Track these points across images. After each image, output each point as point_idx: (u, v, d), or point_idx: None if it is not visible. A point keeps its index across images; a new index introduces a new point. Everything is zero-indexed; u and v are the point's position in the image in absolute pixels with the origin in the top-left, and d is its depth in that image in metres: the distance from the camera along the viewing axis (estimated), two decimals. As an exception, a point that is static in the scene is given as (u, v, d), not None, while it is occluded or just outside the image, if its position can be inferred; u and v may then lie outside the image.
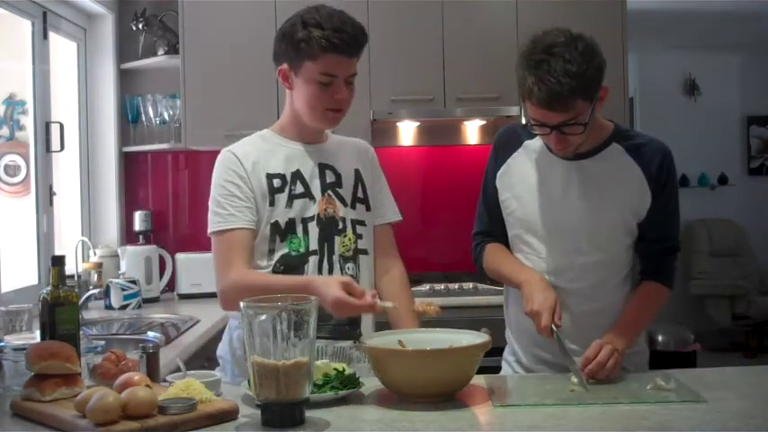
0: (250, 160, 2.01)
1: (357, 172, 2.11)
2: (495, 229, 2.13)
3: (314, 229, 2.00)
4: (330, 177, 2.06)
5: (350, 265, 2.03)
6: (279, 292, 1.85)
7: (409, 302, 2.07)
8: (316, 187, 2.03)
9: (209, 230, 2.00)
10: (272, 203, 1.99)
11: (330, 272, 1.99)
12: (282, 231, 1.99)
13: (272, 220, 1.99)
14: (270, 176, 2.00)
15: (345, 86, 1.97)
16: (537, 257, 2.03)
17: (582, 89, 1.82)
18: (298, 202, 2.01)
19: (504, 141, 2.12)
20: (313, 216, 2.01)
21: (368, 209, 2.11)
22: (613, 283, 2.03)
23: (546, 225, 2.01)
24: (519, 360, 2.14)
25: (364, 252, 2.08)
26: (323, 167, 2.06)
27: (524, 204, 2.05)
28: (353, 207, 2.07)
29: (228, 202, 1.98)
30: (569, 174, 1.99)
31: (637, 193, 1.98)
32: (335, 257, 2.01)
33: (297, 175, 2.03)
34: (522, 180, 2.05)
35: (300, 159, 2.04)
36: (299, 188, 2.02)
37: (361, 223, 2.08)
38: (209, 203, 2.02)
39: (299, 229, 1.99)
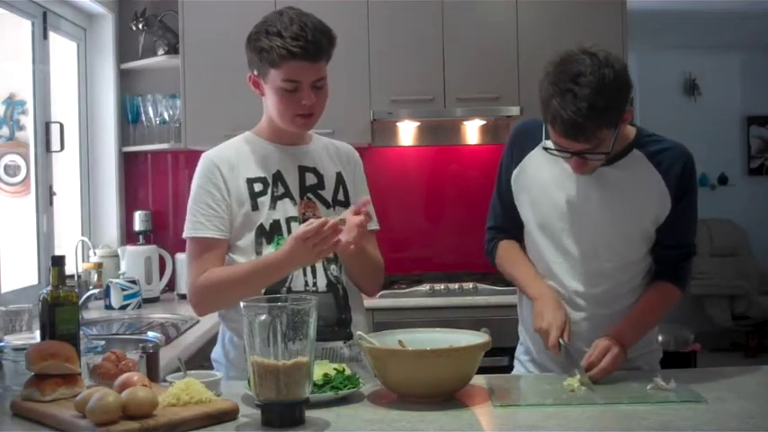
0: (228, 165, 2.00)
1: (339, 175, 2.09)
2: (509, 224, 2.11)
3: (297, 229, 1.97)
4: (311, 180, 2.05)
5: (333, 266, 2.02)
6: (245, 281, 1.90)
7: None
8: (295, 189, 2.02)
9: (183, 233, 2.01)
10: (255, 208, 1.98)
11: (314, 274, 1.99)
12: (268, 233, 1.98)
13: (258, 224, 1.98)
14: (250, 181, 2.00)
15: (313, 91, 1.94)
16: (553, 262, 2.02)
17: (607, 120, 1.79)
18: (281, 204, 2.00)
19: (520, 139, 2.07)
20: (296, 217, 2.00)
21: None
22: (629, 287, 2.02)
23: (563, 231, 1.99)
24: (533, 359, 2.13)
25: None
26: (303, 170, 2.05)
27: (540, 208, 2.02)
28: (334, 209, 2.05)
29: (199, 209, 1.98)
30: (588, 180, 1.96)
31: (657, 202, 1.95)
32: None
33: (278, 177, 2.02)
34: (539, 183, 2.02)
35: (280, 161, 2.03)
36: (281, 189, 2.01)
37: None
38: (188, 205, 2.03)
39: (285, 229, 1.98)
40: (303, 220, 1.98)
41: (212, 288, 1.94)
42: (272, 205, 2.00)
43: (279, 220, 1.99)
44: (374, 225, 2.15)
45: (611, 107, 1.78)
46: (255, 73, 1.99)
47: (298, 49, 1.88)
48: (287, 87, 1.93)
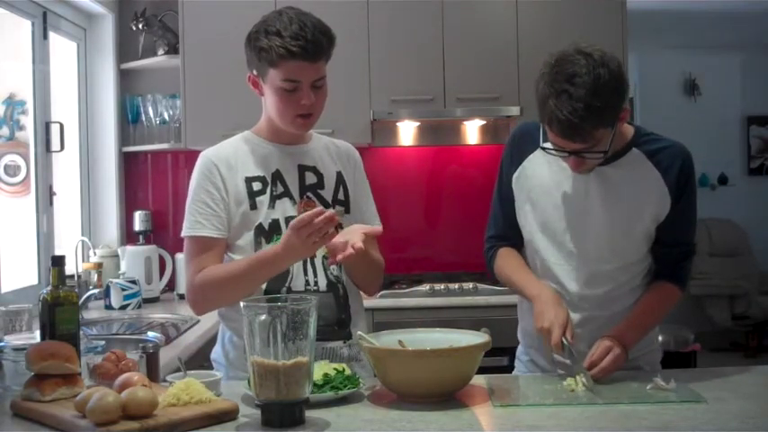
0: (226, 164, 2.00)
1: (339, 174, 2.09)
2: (511, 233, 2.09)
3: None
4: (311, 179, 2.05)
5: (333, 266, 2.01)
6: (243, 276, 1.89)
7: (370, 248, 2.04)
8: (295, 189, 2.02)
9: (182, 232, 2.01)
10: (253, 207, 1.98)
11: (315, 273, 1.99)
12: (267, 233, 1.98)
13: (257, 223, 1.98)
14: (249, 180, 1.99)
15: (312, 91, 1.94)
16: (554, 263, 2.01)
17: (603, 120, 1.79)
18: (280, 203, 2.00)
19: (520, 142, 2.07)
20: (294, 216, 1.96)
21: (347, 211, 2.07)
22: (629, 287, 2.01)
23: (564, 232, 1.99)
24: (533, 359, 2.13)
25: None
26: (303, 169, 2.05)
27: (541, 210, 2.02)
28: (334, 209, 2.03)
29: (197, 209, 1.97)
30: (588, 180, 1.96)
31: (657, 200, 1.95)
32: (317, 259, 1.99)
33: (277, 176, 2.01)
34: (539, 184, 2.02)
35: (280, 160, 2.03)
36: (280, 188, 2.01)
37: (340, 225, 2.05)
38: (186, 204, 2.02)
39: (284, 229, 1.96)
40: None
41: (210, 286, 1.94)
42: (271, 204, 1.99)
43: (278, 220, 1.98)
44: (378, 225, 2.16)
45: (608, 107, 1.78)
46: (255, 73, 1.99)
47: (297, 48, 1.88)
48: (286, 87, 1.93)
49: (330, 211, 1.79)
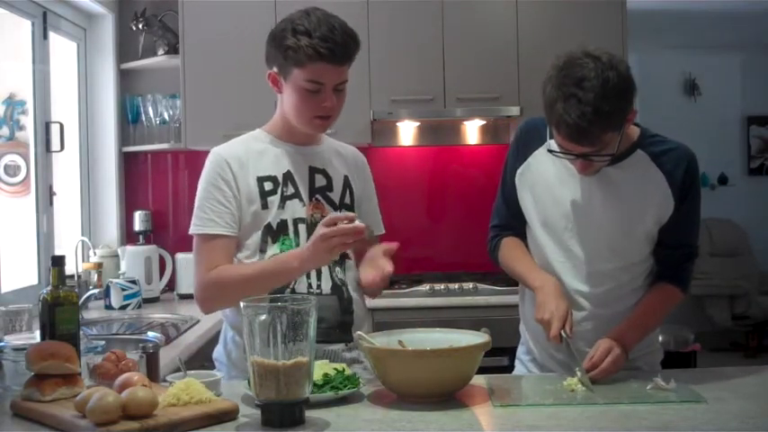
0: (238, 162, 1.99)
1: (346, 178, 2.09)
2: (514, 223, 2.11)
3: (304, 231, 1.98)
4: (320, 181, 2.04)
5: (338, 269, 2.02)
6: (258, 280, 1.88)
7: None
8: (305, 190, 2.02)
9: (190, 230, 1.99)
10: (264, 206, 1.97)
11: (318, 276, 1.98)
12: (274, 232, 1.97)
13: (266, 222, 1.97)
14: (260, 179, 1.99)
15: (334, 93, 1.94)
16: (555, 261, 2.01)
17: (611, 124, 1.78)
18: (290, 204, 1.99)
19: (526, 137, 2.07)
20: (303, 218, 1.99)
21: None
22: (631, 287, 2.02)
23: (566, 231, 1.99)
24: (534, 358, 2.12)
25: (348, 257, 2.06)
26: (313, 171, 2.04)
27: (544, 207, 2.02)
28: (341, 212, 2.04)
29: (210, 206, 1.96)
30: (591, 180, 1.96)
31: (660, 202, 1.95)
32: None
33: (288, 177, 2.01)
34: (543, 181, 2.02)
35: (291, 161, 2.03)
36: (290, 189, 2.00)
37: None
38: (195, 201, 2.01)
39: (291, 230, 1.98)
40: (310, 221, 1.98)
41: (222, 286, 1.93)
42: (282, 205, 1.99)
43: (286, 221, 1.98)
44: (381, 229, 2.17)
45: (616, 111, 1.78)
46: (275, 70, 1.97)
47: (326, 50, 1.88)
48: (309, 88, 1.92)
49: (360, 224, 1.78)
